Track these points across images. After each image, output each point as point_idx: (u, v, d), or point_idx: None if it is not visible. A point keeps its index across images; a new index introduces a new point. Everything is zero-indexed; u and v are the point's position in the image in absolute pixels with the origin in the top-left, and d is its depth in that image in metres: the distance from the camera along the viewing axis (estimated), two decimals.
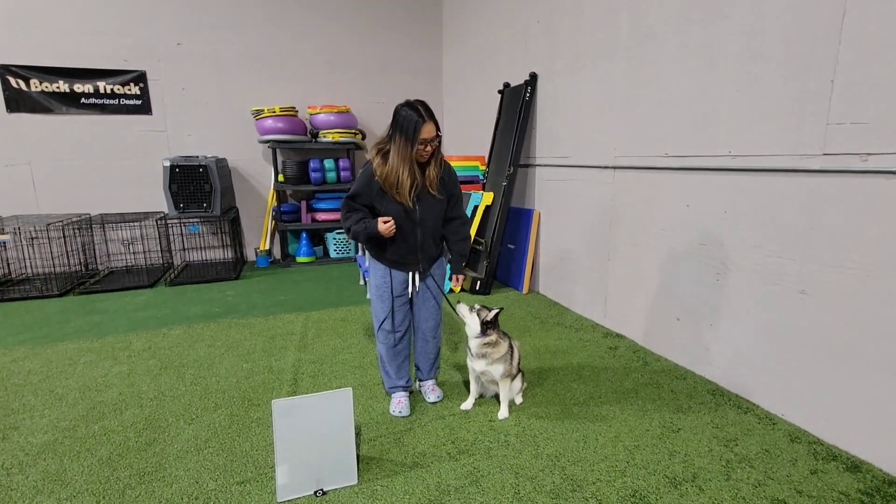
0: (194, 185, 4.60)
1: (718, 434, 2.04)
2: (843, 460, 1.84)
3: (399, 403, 2.29)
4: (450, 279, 2.38)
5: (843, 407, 1.91)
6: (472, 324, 2.11)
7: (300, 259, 5.43)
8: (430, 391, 2.42)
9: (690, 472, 1.79)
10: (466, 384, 2.44)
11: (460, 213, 2.25)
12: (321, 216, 5.41)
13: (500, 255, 4.12)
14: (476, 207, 4.15)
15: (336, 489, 1.72)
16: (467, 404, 2.28)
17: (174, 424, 2.16)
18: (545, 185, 3.95)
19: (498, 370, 2.14)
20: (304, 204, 5.37)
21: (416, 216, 2.09)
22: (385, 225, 2.00)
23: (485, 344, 2.12)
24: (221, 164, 4.93)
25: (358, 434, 2.05)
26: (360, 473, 1.79)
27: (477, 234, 4.16)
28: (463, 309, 2.13)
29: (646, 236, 2.88)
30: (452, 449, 1.96)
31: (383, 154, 2.03)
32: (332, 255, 5.59)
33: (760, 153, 2.15)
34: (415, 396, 2.38)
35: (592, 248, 3.39)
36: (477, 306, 2.13)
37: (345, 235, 5.56)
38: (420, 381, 2.48)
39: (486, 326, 2.11)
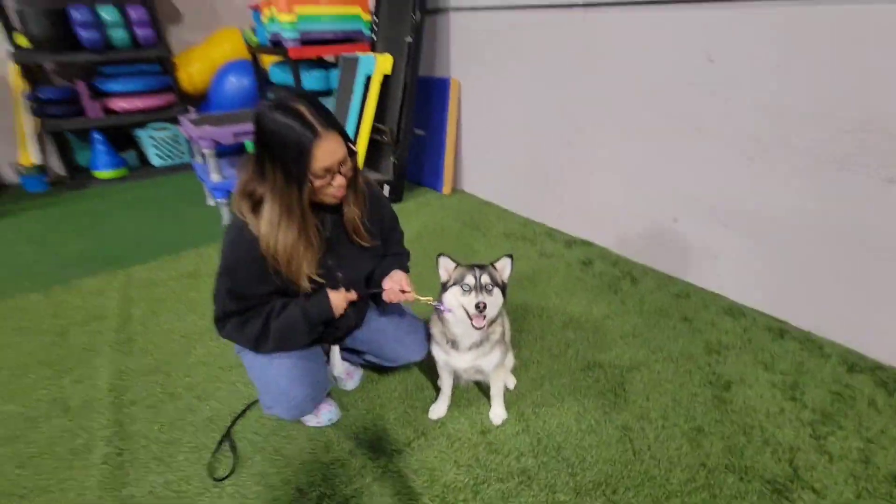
0: None
1: (773, 379, 1.54)
2: None
3: (320, 409, 1.38)
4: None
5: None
6: (497, 298, 1.18)
7: (100, 174, 3.60)
8: (346, 375, 1.54)
9: (786, 461, 1.26)
10: (426, 369, 1.58)
11: (397, 227, 1.41)
12: (119, 104, 3.50)
13: (410, 147, 3.03)
14: (369, 79, 2.85)
15: None
16: (440, 409, 1.43)
17: None
18: (468, 39, 2.78)
19: (494, 359, 1.29)
20: (82, 86, 3.36)
21: (337, 282, 1.22)
22: (343, 298, 1.21)
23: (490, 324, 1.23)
24: None
25: None
26: None
27: (375, 119, 2.93)
28: (490, 300, 1.14)
29: (631, 107, 2.05)
30: None
31: (256, 202, 1.07)
32: (155, 161, 3.84)
33: None
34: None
35: (542, 127, 2.50)
36: (481, 276, 1.16)
37: (168, 132, 3.78)
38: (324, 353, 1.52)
39: (505, 290, 1.22)
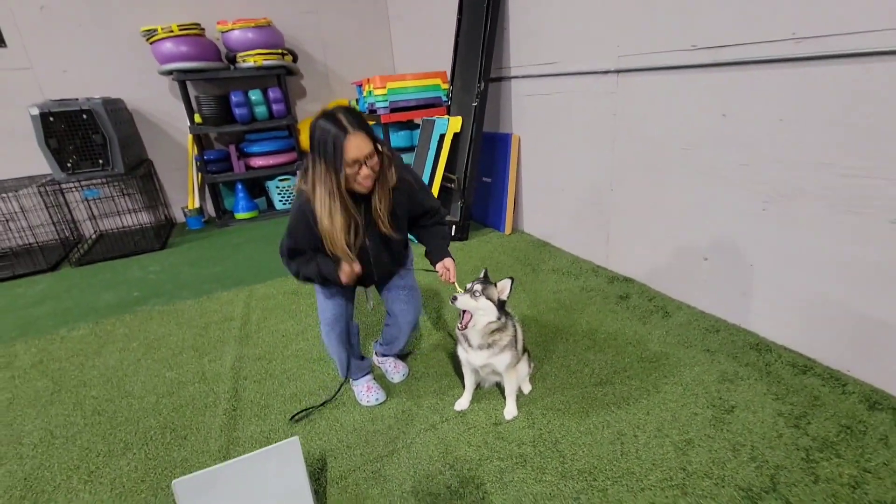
0: (80, 137, 3.60)
1: (781, 409, 1.62)
2: None
3: (369, 390, 1.83)
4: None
5: None
6: (486, 308, 1.52)
7: (239, 215, 4.59)
8: (394, 369, 1.96)
9: (767, 476, 1.37)
10: (458, 372, 1.92)
11: (431, 206, 1.70)
12: (257, 161, 4.50)
13: (476, 192, 3.48)
14: (442, 137, 3.40)
15: None
16: (463, 402, 1.76)
17: (64, 486, 1.55)
18: (525, 101, 3.22)
19: (504, 360, 1.60)
20: (232, 149, 4.43)
21: (369, 256, 1.62)
22: (349, 272, 1.53)
23: (493, 331, 1.56)
24: (114, 106, 3.88)
25: (321, 471, 1.51)
26: None
27: (446, 170, 3.46)
28: (465, 300, 1.51)
29: (662, 158, 2.29)
30: (452, 477, 1.46)
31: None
32: (278, 206, 4.77)
33: (847, 30, 1.52)
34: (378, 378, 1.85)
35: (589, 176, 2.79)
36: (476, 285, 1.53)
37: (289, 182, 4.72)
38: (378, 354, 2.01)
39: (503, 306, 1.55)
